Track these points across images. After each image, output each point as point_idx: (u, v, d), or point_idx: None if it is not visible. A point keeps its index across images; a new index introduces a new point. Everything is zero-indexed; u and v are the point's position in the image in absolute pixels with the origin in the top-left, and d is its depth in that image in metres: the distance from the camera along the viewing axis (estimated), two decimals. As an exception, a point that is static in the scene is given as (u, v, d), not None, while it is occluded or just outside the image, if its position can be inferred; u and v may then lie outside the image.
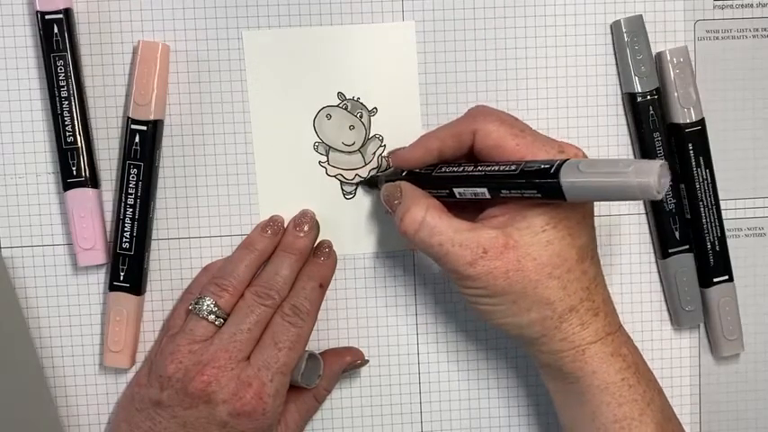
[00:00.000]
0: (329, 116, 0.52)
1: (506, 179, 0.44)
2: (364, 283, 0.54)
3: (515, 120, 0.47)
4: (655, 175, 0.39)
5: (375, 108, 0.52)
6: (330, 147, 0.53)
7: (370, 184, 0.53)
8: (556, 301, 0.45)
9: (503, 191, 0.44)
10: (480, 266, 0.44)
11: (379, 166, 0.53)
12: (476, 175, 0.46)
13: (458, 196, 0.47)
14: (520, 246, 0.44)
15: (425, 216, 0.46)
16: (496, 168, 0.45)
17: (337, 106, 0.52)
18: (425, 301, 0.54)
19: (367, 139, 0.53)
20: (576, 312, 0.45)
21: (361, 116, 0.52)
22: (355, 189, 0.53)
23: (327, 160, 0.53)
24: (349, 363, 0.53)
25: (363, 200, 0.53)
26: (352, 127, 0.52)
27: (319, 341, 0.54)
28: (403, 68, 0.52)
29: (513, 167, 0.44)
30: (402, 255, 0.54)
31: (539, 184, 0.43)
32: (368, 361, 0.54)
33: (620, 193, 0.40)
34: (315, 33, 0.52)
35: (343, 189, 0.53)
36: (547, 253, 0.44)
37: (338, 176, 0.53)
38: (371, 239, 0.53)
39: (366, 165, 0.53)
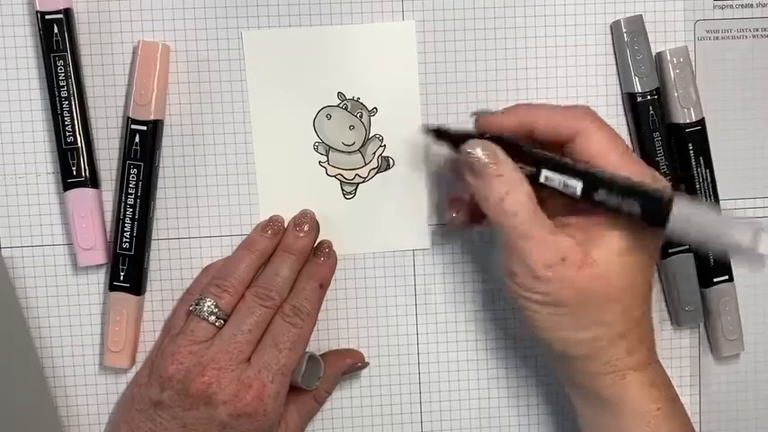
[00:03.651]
0: (329, 116, 0.52)
1: (611, 182, 0.43)
2: (364, 283, 0.54)
3: (620, 137, 0.45)
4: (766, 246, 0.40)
5: (375, 108, 0.52)
6: (330, 147, 0.52)
7: (439, 134, 0.48)
8: (612, 324, 0.44)
9: (600, 190, 0.43)
10: (555, 272, 0.43)
11: (378, 167, 0.53)
12: (575, 167, 0.44)
13: (542, 180, 0.44)
14: (597, 265, 0.43)
15: (528, 204, 0.44)
16: (601, 170, 0.43)
17: (337, 106, 0.52)
18: (425, 301, 0.54)
19: (367, 139, 0.52)
20: (625, 339, 0.45)
21: (361, 116, 0.52)
22: (355, 189, 0.53)
23: (327, 160, 0.53)
24: (349, 365, 0.53)
25: (363, 200, 0.53)
26: (352, 127, 0.52)
27: (319, 341, 0.54)
28: (403, 68, 0.52)
29: (620, 176, 0.43)
30: (402, 255, 0.54)
31: (645, 201, 0.42)
32: (368, 364, 0.54)
33: (721, 243, 0.41)
34: (315, 33, 0.52)
35: (343, 189, 0.53)
36: (623, 279, 0.43)
37: (338, 176, 0.53)
38: (371, 239, 0.53)
39: (366, 165, 0.53)
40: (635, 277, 0.44)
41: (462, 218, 0.50)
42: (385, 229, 0.53)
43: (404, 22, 0.52)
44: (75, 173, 0.50)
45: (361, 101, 0.52)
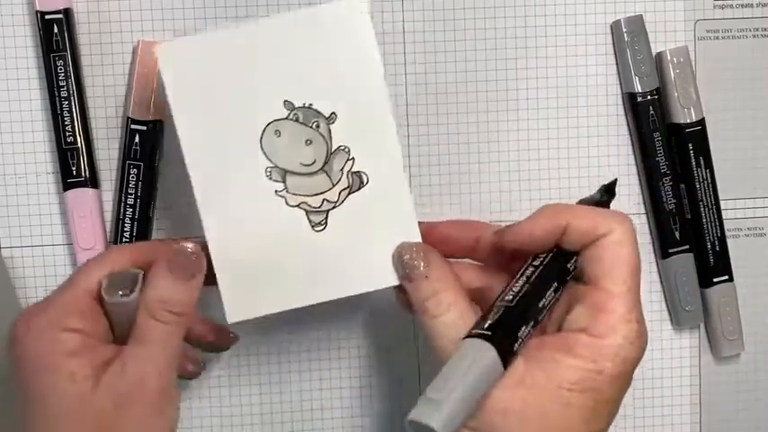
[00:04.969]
0: (278, 132, 0.42)
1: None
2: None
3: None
4: None
5: (333, 114, 0.42)
6: (286, 170, 0.43)
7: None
8: None
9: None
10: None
11: (350, 186, 0.43)
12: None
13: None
14: (535, 388, 0.38)
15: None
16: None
17: (286, 119, 0.42)
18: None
19: (330, 154, 0.43)
20: None
21: (317, 126, 0.42)
22: (325, 218, 0.43)
23: (285, 187, 0.43)
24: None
25: (338, 229, 0.43)
26: (308, 141, 0.43)
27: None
28: (360, 58, 0.42)
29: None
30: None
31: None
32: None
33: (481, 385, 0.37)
34: (241, 34, 0.42)
35: (310, 220, 0.43)
36: (559, 418, 0.38)
37: (302, 205, 0.43)
38: (355, 277, 0.43)
39: (334, 186, 0.43)
40: (575, 424, 0.38)
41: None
42: (371, 262, 0.43)
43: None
44: (74, 173, 0.50)
45: (314, 107, 0.42)
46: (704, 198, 0.53)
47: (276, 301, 0.43)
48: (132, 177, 0.50)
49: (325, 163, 0.43)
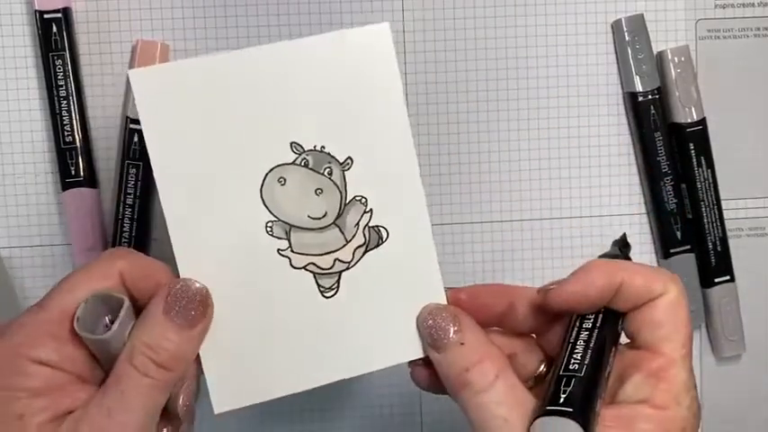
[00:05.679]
0: (283, 180, 0.36)
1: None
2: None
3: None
4: None
5: (349, 159, 0.36)
6: (291, 225, 0.36)
7: None
8: None
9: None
10: None
11: (366, 243, 0.37)
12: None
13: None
14: None
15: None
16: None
17: (293, 163, 0.36)
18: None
19: (344, 206, 0.37)
20: None
21: (330, 173, 0.36)
22: (337, 281, 0.37)
23: (290, 246, 0.36)
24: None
25: (352, 295, 0.37)
26: (319, 191, 0.36)
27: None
28: (381, 92, 0.36)
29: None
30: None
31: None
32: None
33: None
34: (238, 61, 0.35)
35: (319, 284, 0.37)
36: None
37: (309, 267, 0.37)
38: (372, 352, 0.37)
39: (348, 243, 0.37)
40: None
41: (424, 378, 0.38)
42: (390, 331, 0.37)
43: (373, 26, 0.36)
44: (73, 173, 0.50)
45: (326, 150, 0.36)
46: (705, 198, 0.53)
47: (277, 384, 0.37)
48: (131, 177, 0.50)
49: (338, 216, 0.37)
